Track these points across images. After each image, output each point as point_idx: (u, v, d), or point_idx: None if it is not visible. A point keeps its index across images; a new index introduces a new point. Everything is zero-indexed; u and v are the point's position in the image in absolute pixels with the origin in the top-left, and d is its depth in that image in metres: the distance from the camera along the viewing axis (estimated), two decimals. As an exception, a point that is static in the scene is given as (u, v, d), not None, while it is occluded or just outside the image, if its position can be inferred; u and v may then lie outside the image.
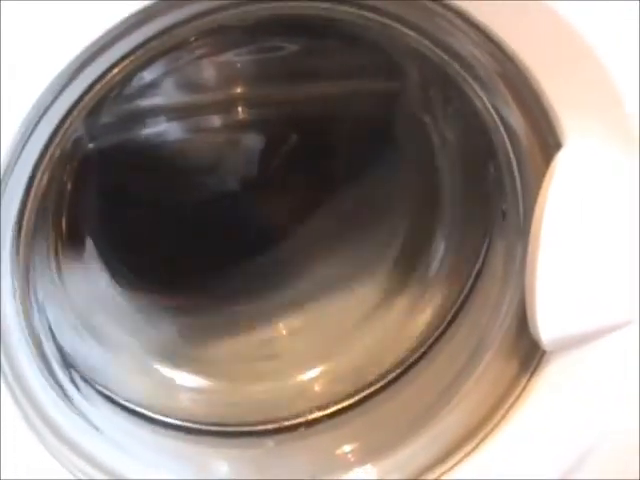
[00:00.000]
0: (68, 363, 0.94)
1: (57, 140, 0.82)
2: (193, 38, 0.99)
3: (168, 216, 1.16)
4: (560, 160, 0.84)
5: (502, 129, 0.91)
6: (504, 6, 0.80)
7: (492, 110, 0.90)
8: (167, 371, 1.08)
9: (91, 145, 1.03)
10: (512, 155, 0.91)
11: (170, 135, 1.14)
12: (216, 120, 1.15)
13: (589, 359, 0.91)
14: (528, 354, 0.93)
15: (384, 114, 1.09)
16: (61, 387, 0.91)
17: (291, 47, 1.09)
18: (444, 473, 0.95)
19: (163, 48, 0.85)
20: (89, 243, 1.09)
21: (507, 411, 0.93)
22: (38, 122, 0.77)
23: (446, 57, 0.88)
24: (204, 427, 1.03)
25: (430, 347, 1.05)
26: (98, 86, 0.81)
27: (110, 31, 0.74)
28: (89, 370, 0.98)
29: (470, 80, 0.89)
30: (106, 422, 0.95)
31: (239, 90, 1.13)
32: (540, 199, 0.85)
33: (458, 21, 0.82)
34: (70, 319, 1.02)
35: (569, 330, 0.88)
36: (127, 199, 1.14)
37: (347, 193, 1.17)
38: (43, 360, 0.88)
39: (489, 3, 0.80)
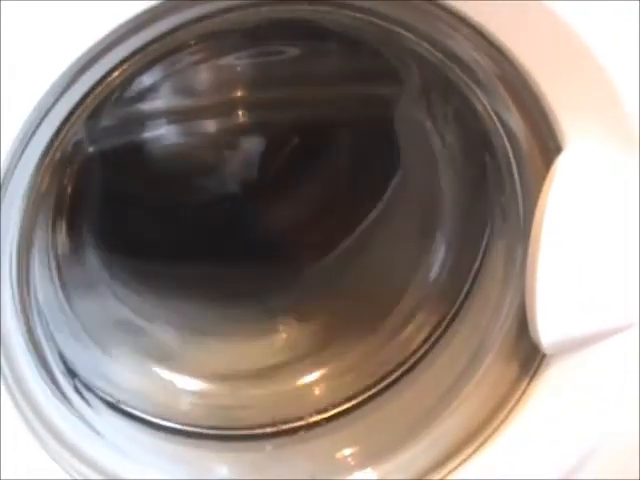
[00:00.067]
0: (68, 367, 0.94)
1: (57, 143, 0.82)
2: (193, 41, 0.99)
3: (168, 219, 1.16)
4: (560, 163, 0.84)
5: (502, 132, 0.91)
6: (502, 8, 0.80)
7: (492, 113, 0.90)
8: (167, 374, 1.08)
9: (91, 148, 1.03)
10: (512, 158, 0.91)
11: (170, 138, 1.14)
12: (216, 123, 1.15)
13: (589, 362, 0.91)
14: (528, 357, 0.93)
15: (384, 117, 1.09)
16: (61, 390, 0.90)
17: (291, 51, 1.09)
18: (444, 476, 0.95)
19: (163, 51, 0.85)
20: (89, 246, 1.09)
21: (507, 414, 0.93)
22: (39, 125, 0.77)
23: (446, 60, 0.88)
24: (204, 431, 1.03)
25: (430, 350, 1.05)
26: (99, 89, 0.81)
27: (111, 34, 0.74)
28: (88, 373, 0.98)
29: (470, 83, 0.89)
30: (105, 425, 0.95)
31: (239, 93, 1.13)
32: (540, 202, 0.85)
33: (457, 24, 0.82)
34: (70, 322, 1.02)
35: (569, 333, 0.88)
36: (127, 202, 1.14)
37: (347, 196, 1.17)
38: (43, 363, 0.88)
39: (487, 5, 0.80)
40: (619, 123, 0.83)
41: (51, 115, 0.78)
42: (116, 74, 0.82)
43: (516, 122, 0.88)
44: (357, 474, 0.99)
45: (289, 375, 1.11)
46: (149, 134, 1.12)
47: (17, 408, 0.82)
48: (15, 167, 0.78)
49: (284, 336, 1.16)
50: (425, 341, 1.05)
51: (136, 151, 1.12)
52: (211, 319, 1.16)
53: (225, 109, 1.13)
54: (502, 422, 0.93)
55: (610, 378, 0.91)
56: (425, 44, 0.88)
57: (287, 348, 1.15)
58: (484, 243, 1.02)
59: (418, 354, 1.05)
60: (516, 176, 0.92)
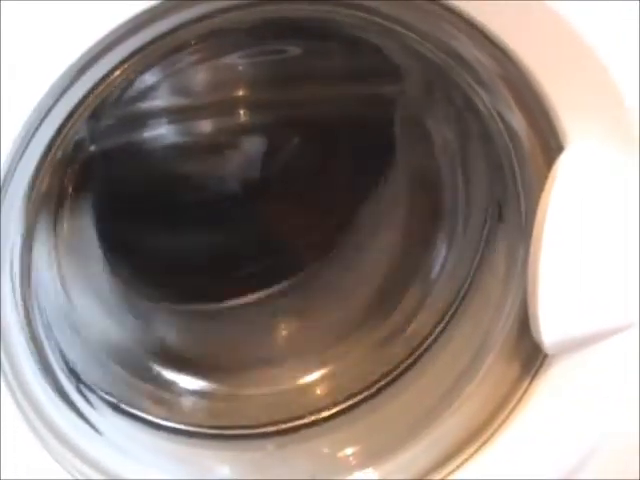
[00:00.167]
0: (69, 366, 0.94)
1: (58, 143, 0.82)
2: (194, 41, 0.99)
3: (169, 218, 1.16)
4: (562, 163, 0.84)
5: (504, 131, 0.91)
6: (505, 7, 0.80)
7: (494, 113, 0.90)
8: (168, 375, 1.08)
9: (92, 148, 1.03)
10: (514, 157, 0.91)
11: (171, 138, 1.14)
12: (217, 123, 1.15)
13: (590, 362, 0.91)
14: (530, 357, 0.93)
15: (386, 117, 1.09)
16: (62, 390, 0.90)
17: (293, 50, 1.09)
18: (445, 476, 0.95)
19: (164, 51, 0.85)
20: (90, 245, 1.09)
21: (509, 414, 0.93)
22: (39, 125, 0.77)
23: (448, 60, 0.88)
24: (205, 430, 1.03)
25: (431, 349, 1.05)
26: (100, 88, 0.81)
27: (112, 33, 0.74)
28: (89, 373, 0.98)
29: (472, 83, 0.89)
30: (107, 425, 0.95)
31: (240, 93, 1.13)
32: (542, 201, 0.85)
33: (459, 23, 0.82)
34: (71, 321, 1.02)
35: (571, 333, 0.88)
36: (129, 201, 1.14)
37: (348, 195, 1.17)
38: (44, 362, 0.88)
39: (490, 5, 0.80)
40: (621, 123, 0.83)
41: (52, 115, 0.78)
42: (117, 73, 0.82)
43: (518, 122, 0.88)
44: (358, 474, 0.99)
45: (290, 374, 1.11)
46: (150, 134, 1.12)
47: (18, 407, 0.82)
48: (16, 166, 0.78)
49: (285, 335, 1.16)
50: (426, 340, 1.05)
51: (137, 151, 1.12)
52: (212, 319, 1.16)
53: (226, 108, 1.13)
54: (503, 422, 0.93)
55: (611, 378, 0.91)
56: (427, 44, 0.88)
57: (288, 347, 1.15)
58: (485, 243, 1.02)
59: (419, 353, 1.05)
60: (518, 175, 0.92)
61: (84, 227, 1.08)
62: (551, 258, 0.85)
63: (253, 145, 1.19)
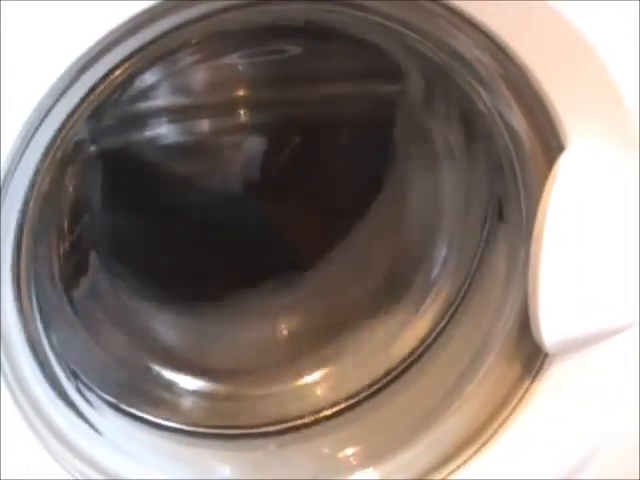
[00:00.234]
0: (69, 367, 0.94)
1: (58, 143, 0.82)
2: (195, 41, 0.99)
3: (170, 218, 1.15)
4: (563, 163, 0.84)
5: (505, 131, 0.90)
6: (506, 7, 0.80)
7: (495, 112, 0.90)
8: (168, 375, 1.08)
9: (93, 148, 1.03)
10: (514, 157, 0.91)
11: (172, 138, 1.14)
12: (218, 123, 1.15)
13: (591, 362, 0.91)
14: (530, 357, 0.93)
15: (386, 116, 1.09)
16: (62, 390, 0.90)
17: (293, 50, 1.08)
18: (446, 476, 0.94)
19: (165, 51, 0.85)
20: (90, 245, 1.09)
21: (509, 414, 0.93)
22: (39, 125, 0.77)
23: (449, 59, 0.88)
24: (205, 430, 1.03)
25: (432, 349, 1.05)
26: (100, 88, 0.81)
27: (112, 33, 0.74)
28: (89, 373, 0.98)
29: (473, 82, 0.89)
30: (107, 425, 0.95)
31: (241, 93, 1.13)
32: (543, 202, 0.85)
33: (460, 23, 0.82)
34: (70, 321, 1.02)
35: (571, 333, 0.88)
36: (129, 201, 1.14)
37: (349, 195, 1.17)
38: (44, 362, 0.88)
39: (491, 4, 0.80)
40: (621, 123, 0.83)
41: (52, 114, 0.78)
42: (117, 73, 0.82)
43: (519, 121, 0.88)
44: (358, 474, 0.99)
45: (291, 374, 1.11)
46: (150, 133, 1.11)
47: (18, 407, 0.82)
48: (16, 166, 0.78)
49: (285, 335, 1.16)
50: (426, 340, 1.05)
51: (137, 150, 1.12)
52: (212, 319, 1.15)
53: (226, 108, 1.13)
54: (504, 422, 0.93)
55: (611, 378, 0.91)
56: (428, 43, 0.88)
57: (288, 347, 1.15)
58: (485, 243, 1.02)
59: (419, 353, 1.05)
60: (518, 175, 0.92)
61: (84, 226, 1.07)
62: (552, 258, 0.85)
63: (253, 145, 1.19)
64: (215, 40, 1.02)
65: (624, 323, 0.89)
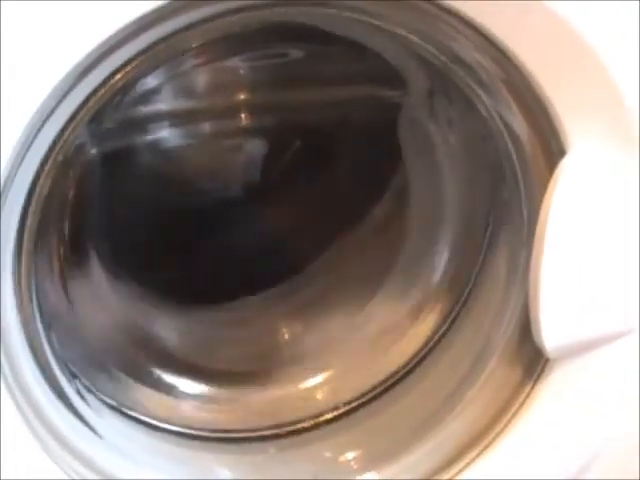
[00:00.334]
0: (69, 369, 0.94)
1: (60, 146, 0.82)
2: (196, 44, 0.99)
3: (170, 222, 1.16)
4: (564, 166, 0.84)
5: (506, 135, 0.90)
6: (505, 9, 0.80)
7: (496, 116, 0.90)
8: (169, 378, 1.08)
9: (94, 151, 1.03)
10: (516, 161, 0.91)
11: (173, 141, 1.14)
12: (219, 126, 1.15)
13: (592, 367, 0.91)
14: (532, 361, 0.92)
15: (387, 120, 1.09)
16: (62, 392, 0.90)
17: (295, 53, 1.09)
18: (448, 480, 0.95)
19: (166, 54, 0.85)
20: (91, 248, 1.09)
21: (511, 418, 0.93)
22: (41, 128, 0.77)
23: (449, 62, 0.88)
24: (206, 433, 1.03)
25: (433, 353, 1.05)
26: (101, 91, 0.81)
27: (113, 36, 0.74)
28: (89, 375, 0.98)
29: (473, 85, 0.89)
30: (107, 427, 0.95)
31: (242, 96, 1.13)
32: (544, 205, 0.85)
33: (461, 26, 0.82)
34: (71, 324, 1.02)
35: (573, 338, 0.88)
36: (130, 205, 1.14)
37: (349, 198, 1.17)
38: (44, 364, 0.88)
39: (491, 6, 0.80)
40: (621, 123, 0.83)
41: (53, 118, 0.78)
42: (119, 76, 0.82)
43: (519, 124, 0.88)
44: (360, 477, 0.99)
45: (292, 378, 1.11)
46: (152, 137, 1.11)
47: (18, 409, 0.82)
48: (17, 169, 0.78)
49: (286, 338, 1.16)
50: (428, 344, 1.05)
51: (138, 154, 1.12)
52: (212, 322, 1.15)
53: (228, 112, 1.13)
54: (505, 426, 0.93)
55: (612, 382, 0.91)
56: (428, 46, 0.88)
57: (289, 351, 1.15)
58: (487, 247, 1.02)
59: (421, 357, 1.05)
60: (520, 179, 0.92)
61: (85, 229, 1.08)
62: (553, 262, 0.85)
63: (255, 148, 1.19)
64: (217, 43, 1.02)
65: (625, 328, 0.89)
